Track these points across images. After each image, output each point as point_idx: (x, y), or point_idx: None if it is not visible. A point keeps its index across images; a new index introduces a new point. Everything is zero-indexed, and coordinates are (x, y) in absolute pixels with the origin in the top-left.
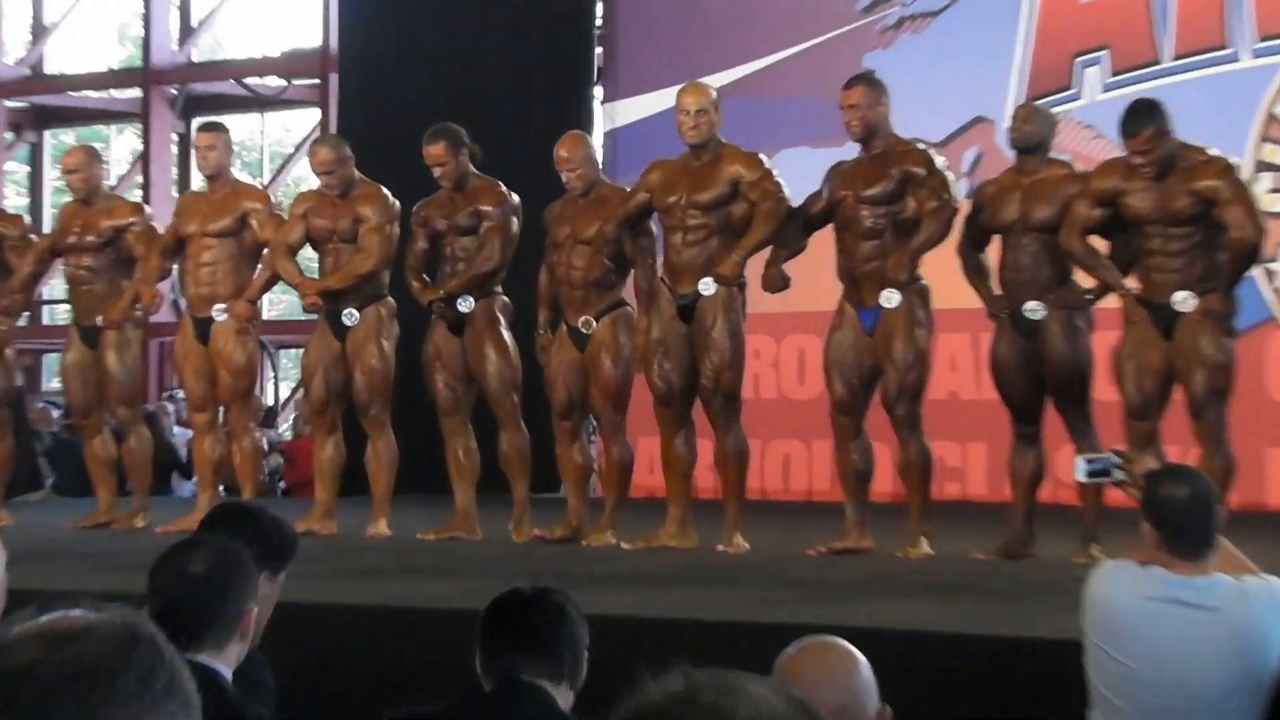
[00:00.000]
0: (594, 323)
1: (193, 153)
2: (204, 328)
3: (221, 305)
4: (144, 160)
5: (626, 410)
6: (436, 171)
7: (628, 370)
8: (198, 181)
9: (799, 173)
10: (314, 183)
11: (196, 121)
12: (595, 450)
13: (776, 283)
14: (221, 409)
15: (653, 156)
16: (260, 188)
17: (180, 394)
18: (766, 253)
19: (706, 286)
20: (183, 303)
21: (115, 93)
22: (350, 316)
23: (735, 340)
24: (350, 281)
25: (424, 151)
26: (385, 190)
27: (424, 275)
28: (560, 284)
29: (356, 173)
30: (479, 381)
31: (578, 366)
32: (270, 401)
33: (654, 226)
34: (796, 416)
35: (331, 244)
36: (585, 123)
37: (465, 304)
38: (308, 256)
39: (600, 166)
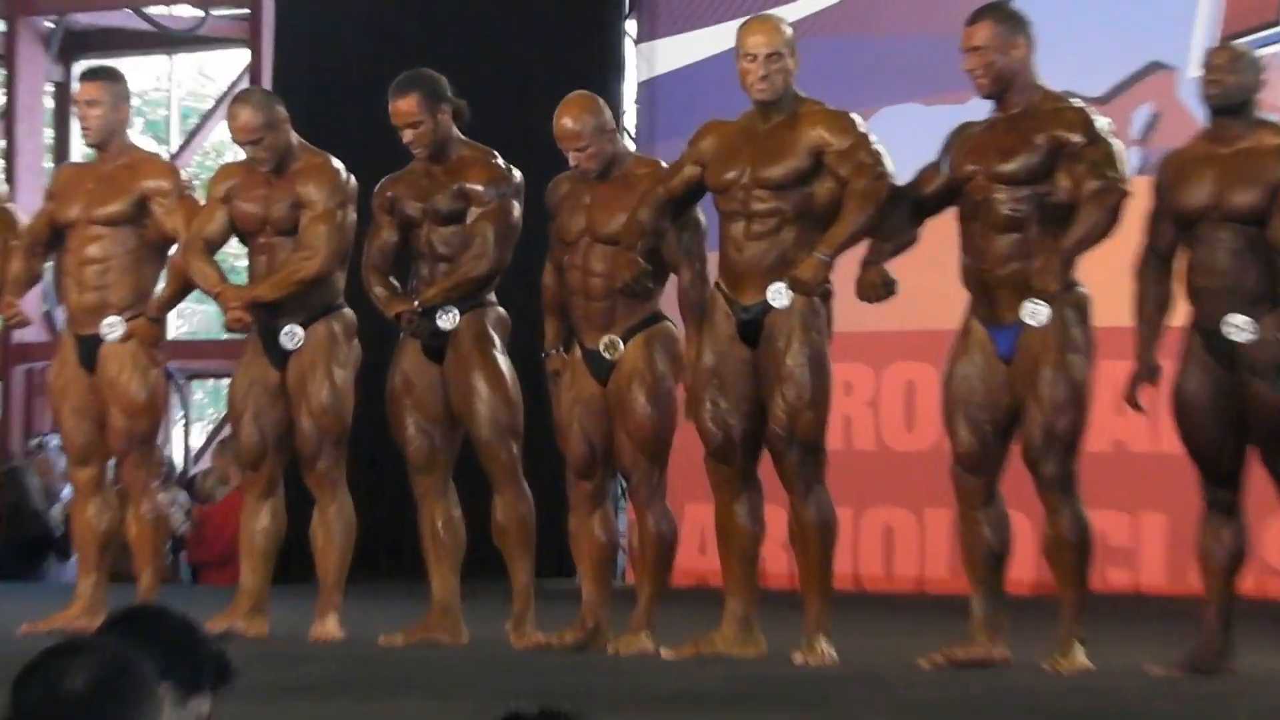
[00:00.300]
0: (621, 345)
1: (73, 109)
2: (89, 350)
3: (114, 319)
4: (6, 119)
5: (666, 466)
6: (407, 136)
7: (669, 411)
8: (81, 149)
9: (906, 138)
10: (242, 152)
11: (80, 67)
12: (624, 521)
13: (877, 289)
14: (113, 462)
15: (704, 116)
16: (167, 159)
17: (55, 441)
18: (861, 250)
19: (778, 296)
20: (59, 315)
21: None
22: (291, 336)
23: (817, 370)
24: (290, 289)
25: (391, 108)
26: (336, 163)
27: (391, 278)
28: (573, 293)
29: (296, 139)
30: (465, 425)
31: (598, 406)
32: (179, 453)
33: (701, 215)
34: (903, 476)
35: (264, 237)
36: (612, 70)
37: (447, 319)
38: (233, 253)
39: (625, 134)
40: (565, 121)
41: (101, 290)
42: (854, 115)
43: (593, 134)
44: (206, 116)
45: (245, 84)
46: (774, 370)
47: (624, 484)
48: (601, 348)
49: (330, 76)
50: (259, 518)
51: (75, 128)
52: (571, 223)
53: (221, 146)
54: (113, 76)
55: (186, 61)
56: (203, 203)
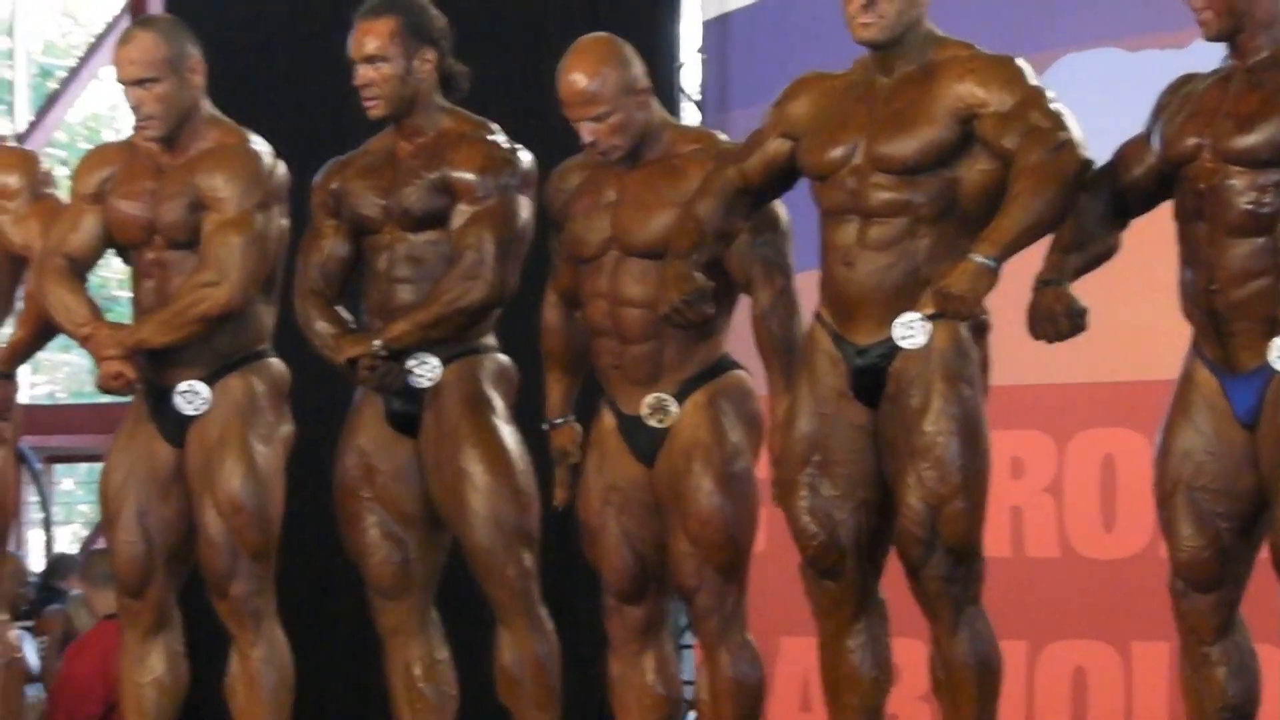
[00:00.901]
0: (674, 407)
1: None
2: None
3: None
4: None
5: (746, 582)
6: (362, 77)
7: (747, 501)
8: None
9: (1098, 97)
10: (118, 129)
11: None
12: (689, 663)
13: (1057, 321)
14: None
15: (792, 70)
16: (13, 142)
17: None
18: (1031, 261)
19: (910, 331)
20: None
21: None
22: (191, 397)
23: (970, 439)
24: (188, 329)
25: (351, 36)
26: (257, 143)
27: (339, 309)
28: (597, 334)
29: (207, 107)
30: (452, 527)
31: (643, 497)
32: (34, 566)
33: (782, 210)
34: (1099, 594)
35: (152, 251)
36: (663, 6)
37: (424, 370)
38: (114, 275)
39: (682, 98)
40: (574, 78)
41: None
42: (1020, 62)
43: (616, 95)
44: (71, 77)
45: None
46: (905, 440)
47: (686, 610)
48: (644, 412)
49: (249, 16)
50: (146, 664)
51: None
52: (588, 230)
53: (95, 123)
54: None
55: None
56: (63, 204)
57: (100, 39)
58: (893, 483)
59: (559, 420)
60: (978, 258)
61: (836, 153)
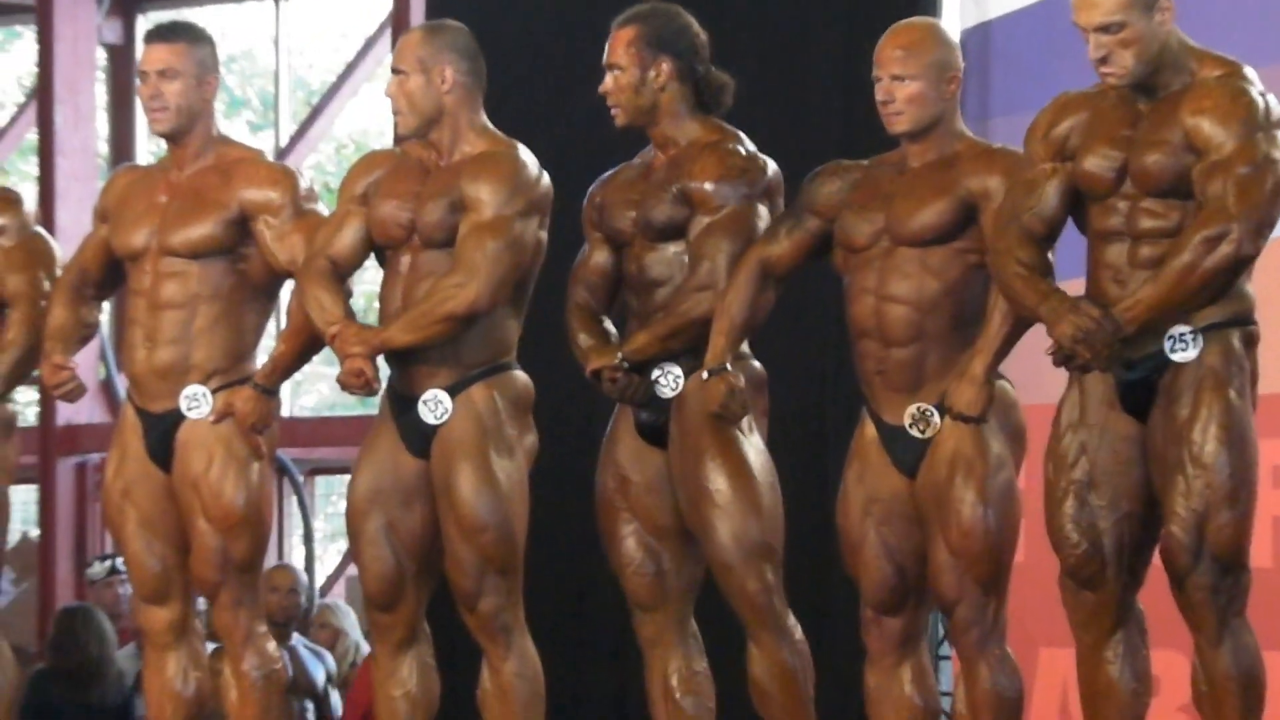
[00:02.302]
0: (936, 417)
1: (137, 85)
2: (162, 434)
3: (198, 390)
4: (39, 102)
5: (1006, 594)
6: (609, 101)
7: (1010, 513)
8: (150, 144)
9: None
10: (378, 138)
11: (145, 22)
12: (947, 675)
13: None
14: (203, 600)
15: (1066, 77)
16: (274, 158)
17: (120, 563)
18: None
19: (1181, 345)
20: (120, 383)
21: None
22: (434, 406)
23: (1238, 449)
24: (432, 330)
25: (609, 48)
26: (525, 154)
27: (606, 322)
28: (861, 335)
29: (481, 117)
30: (697, 540)
31: (905, 509)
32: (306, 585)
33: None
34: None
35: (408, 251)
36: (923, 12)
37: (668, 380)
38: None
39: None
40: (892, 51)
41: (181, 346)
42: (1257, 109)
43: (931, 74)
44: (331, 92)
45: (385, 43)
46: (1174, 450)
47: (943, 623)
48: (907, 423)
49: (513, 29)
50: (397, 677)
51: (140, 112)
52: (860, 224)
53: (362, 139)
54: (194, 35)
55: (297, 10)
56: (325, 213)
57: (360, 55)
58: (1160, 493)
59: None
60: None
61: (1109, 174)
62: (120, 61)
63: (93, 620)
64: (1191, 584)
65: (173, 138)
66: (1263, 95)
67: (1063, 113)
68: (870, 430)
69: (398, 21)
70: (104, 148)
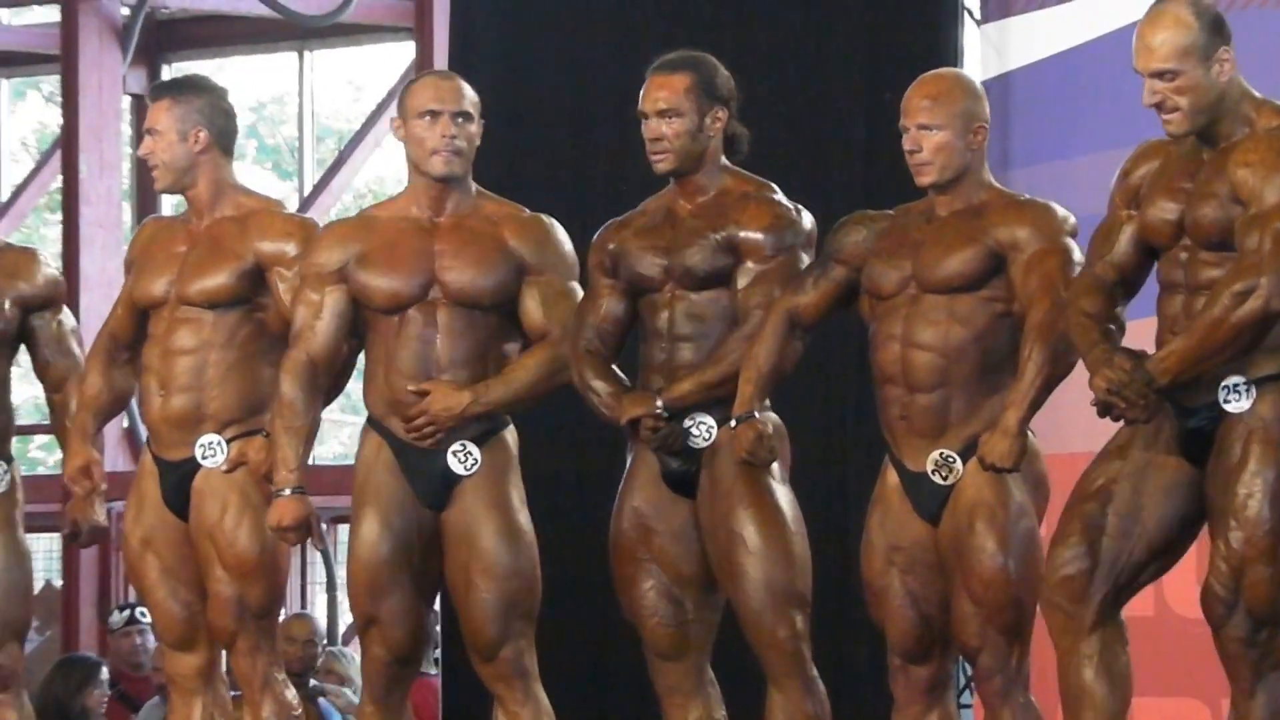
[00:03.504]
0: (958, 464)
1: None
2: (178, 482)
3: (212, 439)
4: (64, 151)
5: (1029, 642)
6: (654, 130)
7: (1032, 560)
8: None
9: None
10: (396, 186)
11: (171, 71)
12: None
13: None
14: (224, 651)
15: (1087, 127)
16: (294, 208)
17: (140, 612)
18: None
19: (1235, 396)
20: (141, 432)
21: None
22: (465, 457)
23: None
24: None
25: (645, 89)
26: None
27: (615, 368)
28: (885, 380)
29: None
30: (725, 588)
31: (928, 557)
32: (324, 635)
33: None
34: None
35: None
36: (945, 64)
37: (702, 429)
38: None
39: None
40: (920, 101)
41: (194, 394)
42: None
43: (958, 124)
44: (355, 141)
45: (416, 75)
46: (1221, 500)
47: (966, 669)
48: (930, 468)
49: (532, 83)
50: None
51: None
52: (888, 272)
53: (380, 187)
54: (180, 90)
55: (325, 61)
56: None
57: (382, 106)
58: (1211, 540)
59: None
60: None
61: (1168, 225)
62: (144, 111)
63: (76, 668)
64: (1226, 634)
65: (172, 191)
66: None
67: (1140, 160)
68: (892, 477)
69: (421, 71)
70: (128, 197)
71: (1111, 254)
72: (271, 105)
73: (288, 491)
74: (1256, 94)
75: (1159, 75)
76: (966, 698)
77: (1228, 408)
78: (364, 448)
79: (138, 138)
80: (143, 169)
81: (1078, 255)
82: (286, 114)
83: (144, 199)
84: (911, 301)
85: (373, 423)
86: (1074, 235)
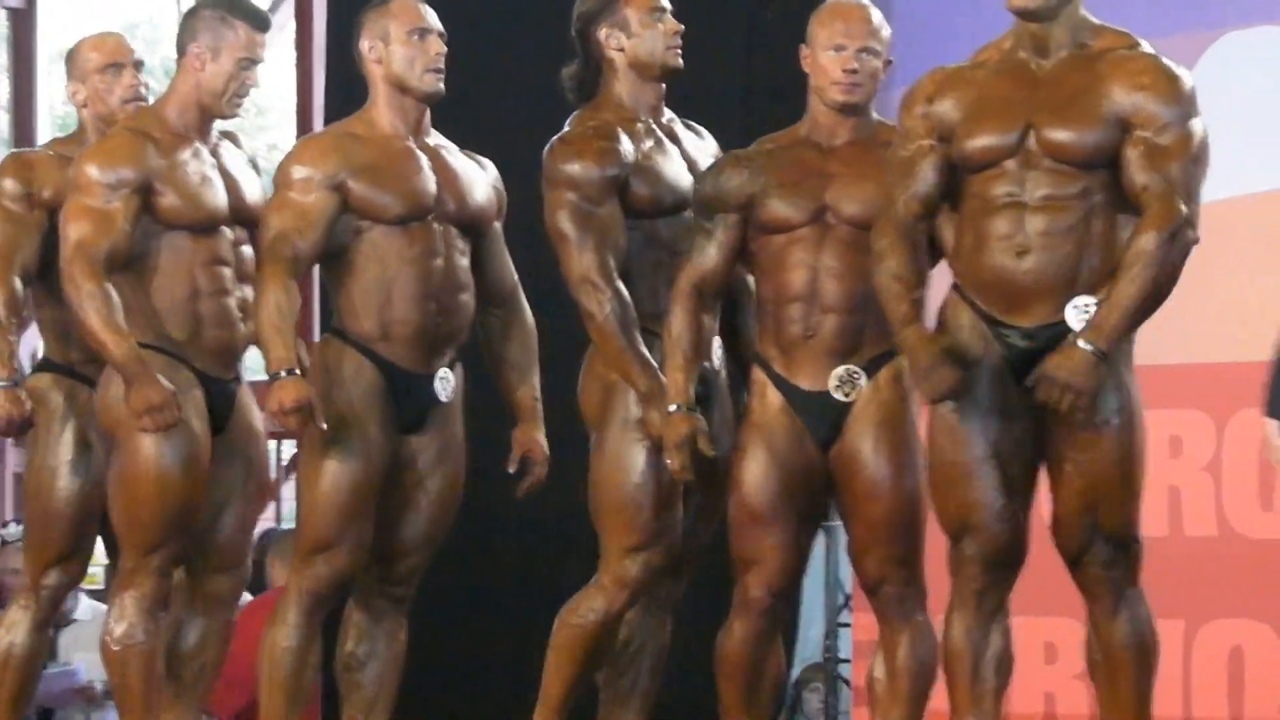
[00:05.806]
0: (863, 380)
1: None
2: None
3: None
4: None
5: (922, 562)
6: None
7: (922, 477)
8: (48, 110)
9: (1261, 78)
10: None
11: None
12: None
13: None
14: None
15: (968, 46)
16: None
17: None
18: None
19: (1085, 315)
20: None
21: None
22: (445, 382)
23: (1129, 426)
24: None
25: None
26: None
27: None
28: (791, 299)
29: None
30: None
31: (819, 478)
32: None
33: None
34: (1259, 573)
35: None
36: None
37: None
38: None
39: None
40: (866, 25)
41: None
42: (1188, 87)
43: (886, 49)
44: None
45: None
46: (1065, 429)
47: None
48: (833, 384)
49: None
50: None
51: (41, 78)
52: (797, 204)
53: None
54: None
55: None
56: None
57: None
58: (1050, 473)
59: (682, 405)
60: (1087, 346)
61: (1006, 142)
62: (22, 25)
63: None
64: (1085, 561)
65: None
66: (1188, 75)
67: (944, 89)
68: (774, 400)
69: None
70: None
71: (915, 186)
72: (144, 26)
73: (283, 374)
74: (1082, 9)
75: None
76: (845, 617)
77: (1079, 327)
78: (343, 368)
79: (15, 52)
80: (20, 84)
81: None
82: (161, 35)
83: (21, 116)
84: (825, 230)
85: (358, 346)
86: None
